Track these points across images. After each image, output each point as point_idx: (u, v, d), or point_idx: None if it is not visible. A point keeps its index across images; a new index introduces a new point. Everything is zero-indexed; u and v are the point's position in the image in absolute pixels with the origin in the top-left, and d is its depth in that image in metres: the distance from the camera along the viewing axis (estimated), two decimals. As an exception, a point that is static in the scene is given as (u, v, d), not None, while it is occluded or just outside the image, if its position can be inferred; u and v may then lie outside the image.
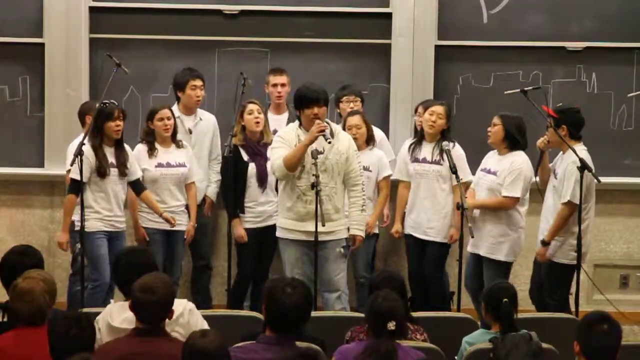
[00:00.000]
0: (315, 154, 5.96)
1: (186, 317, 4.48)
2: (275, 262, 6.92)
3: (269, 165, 6.66)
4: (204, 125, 7.05)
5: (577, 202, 6.09)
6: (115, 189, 6.44)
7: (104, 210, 6.38)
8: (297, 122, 6.17)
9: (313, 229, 5.99)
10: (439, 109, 6.69)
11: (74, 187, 6.28)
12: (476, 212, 6.47)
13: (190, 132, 7.00)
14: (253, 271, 6.96)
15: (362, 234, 6.23)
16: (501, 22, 7.45)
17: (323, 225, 5.91)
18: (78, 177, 6.17)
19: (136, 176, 6.53)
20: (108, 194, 6.40)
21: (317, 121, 5.97)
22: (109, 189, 6.41)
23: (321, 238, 6.05)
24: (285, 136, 6.12)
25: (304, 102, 6.05)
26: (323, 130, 5.94)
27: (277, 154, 6.07)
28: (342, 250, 6.14)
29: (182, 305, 4.50)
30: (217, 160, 7.06)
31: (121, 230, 6.52)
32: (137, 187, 6.55)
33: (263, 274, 6.96)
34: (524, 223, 6.46)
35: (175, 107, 6.98)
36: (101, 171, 6.32)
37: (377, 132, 7.10)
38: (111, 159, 6.40)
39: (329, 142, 5.96)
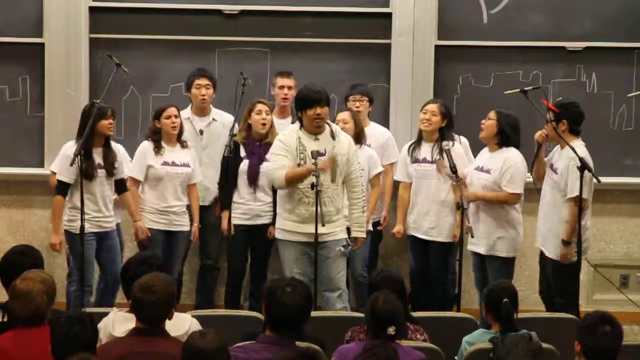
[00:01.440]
0: (316, 155, 5.96)
1: None
2: (275, 262, 6.92)
3: (263, 166, 6.69)
4: (218, 126, 7.02)
5: (586, 196, 6.09)
6: (102, 190, 6.44)
7: (91, 212, 6.36)
8: (297, 124, 6.17)
9: (314, 231, 6.00)
10: (431, 107, 6.69)
11: (62, 189, 6.33)
12: (471, 206, 6.44)
13: (201, 132, 6.99)
14: (242, 269, 6.96)
15: (364, 235, 6.26)
16: (501, 22, 7.45)
17: (323, 226, 5.91)
18: (66, 180, 6.22)
19: (121, 176, 6.55)
20: (95, 195, 6.40)
21: (320, 160, 5.93)
22: (96, 190, 6.40)
23: (321, 238, 6.05)
24: (286, 141, 6.10)
25: (306, 103, 6.05)
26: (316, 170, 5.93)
27: (278, 163, 6.07)
28: (342, 249, 6.15)
29: (187, 323, 4.46)
30: None
31: (109, 229, 6.52)
32: (120, 186, 6.57)
33: (261, 274, 6.97)
34: (521, 217, 6.45)
35: (188, 109, 7.01)
36: (88, 174, 6.32)
37: (384, 133, 7.11)
38: (98, 159, 6.40)
39: (316, 177, 5.93)
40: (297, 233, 6.12)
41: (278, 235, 6.26)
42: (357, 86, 7.13)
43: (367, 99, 7.04)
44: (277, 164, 6.07)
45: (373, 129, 7.05)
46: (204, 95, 6.95)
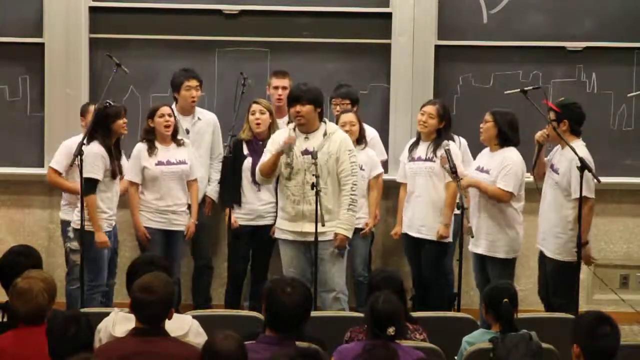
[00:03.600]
0: (315, 155, 5.97)
1: (191, 338, 4.38)
2: (275, 262, 6.92)
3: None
4: (202, 125, 7.05)
5: (592, 196, 6.11)
6: (116, 189, 6.49)
7: (109, 210, 6.40)
8: (293, 124, 6.20)
9: (303, 230, 6.06)
10: (429, 108, 6.69)
11: (92, 187, 6.23)
12: (472, 206, 6.44)
13: (188, 132, 7.00)
14: (244, 270, 6.97)
15: (345, 233, 6.15)
16: (501, 22, 7.45)
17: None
18: (97, 177, 6.20)
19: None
20: (112, 194, 6.43)
21: (290, 136, 6.02)
22: (114, 189, 6.43)
23: (311, 239, 6.06)
24: (277, 138, 6.18)
25: (289, 101, 6.14)
26: (289, 143, 6.00)
27: (263, 158, 6.17)
28: (336, 250, 6.14)
29: (187, 323, 4.45)
30: (219, 159, 7.05)
31: (113, 226, 6.54)
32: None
33: (262, 273, 6.97)
34: (521, 219, 6.45)
35: (173, 108, 7.00)
36: (115, 172, 6.35)
37: (370, 131, 7.09)
38: None
39: (288, 158, 6.04)
40: (288, 231, 6.16)
41: (276, 233, 6.34)
42: (341, 87, 7.11)
43: (348, 101, 7.03)
44: (262, 159, 6.16)
45: None
46: (194, 96, 6.96)
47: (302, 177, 6.06)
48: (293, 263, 6.17)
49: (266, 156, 6.15)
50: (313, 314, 4.45)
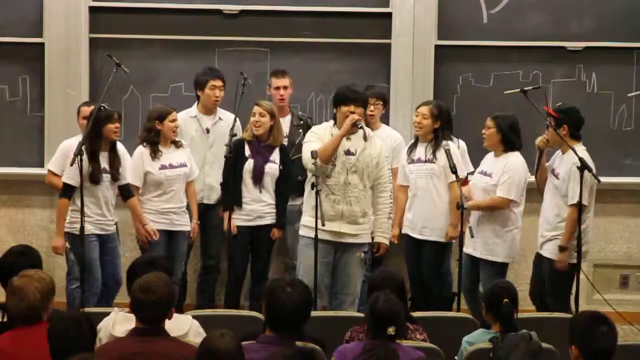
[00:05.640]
0: (315, 154, 5.95)
1: (191, 338, 4.38)
2: (274, 262, 6.92)
3: (267, 167, 6.68)
4: (223, 126, 7.01)
5: (586, 204, 6.10)
6: (106, 194, 6.45)
7: (94, 215, 6.38)
8: (331, 122, 6.19)
9: (339, 229, 6.04)
10: (423, 109, 6.69)
11: (67, 191, 6.30)
12: (474, 214, 6.47)
13: (208, 131, 7.00)
14: (244, 270, 6.95)
15: (387, 242, 6.27)
16: (501, 22, 7.45)
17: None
18: (71, 182, 6.23)
19: (125, 181, 6.54)
20: (99, 199, 6.40)
21: (351, 114, 5.98)
22: (100, 194, 6.40)
23: (346, 240, 6.09)
24: (318, 132, 6.15)
25: (342, 100, 6.08)
26: (356, 122, 5.95)
27: (308, 147, 6.07)
28: (362, 254, 6.14)
29: (187, 324, 4.46)
30: None
31: (111, 232, 6.53)
32: (125, 192, 6.56)
33: (261, 274, 6.96)
34: (520, 223, 6.45)
35: (194, 107, 7.02)
36: (94, 178, 6.32)
37: (396, 136, 7.09)
38: (104, 164, 6.40)
39: (360, 127, 5.99)
40: (321, 230, 6.01)
41: (302, 232, 6.23)
42: (372, 87, 7.09)
43: (382, 102, 7.03)
44: (308, 148, 6.07)
45: (385, 132, 7.02)
46: (217, 96, 6.97)
47: (344, 176, 6.05)
48: (320, 269, 6.04)
49: (313, 144, 6.04)
50: (313, 314, 4.44)
